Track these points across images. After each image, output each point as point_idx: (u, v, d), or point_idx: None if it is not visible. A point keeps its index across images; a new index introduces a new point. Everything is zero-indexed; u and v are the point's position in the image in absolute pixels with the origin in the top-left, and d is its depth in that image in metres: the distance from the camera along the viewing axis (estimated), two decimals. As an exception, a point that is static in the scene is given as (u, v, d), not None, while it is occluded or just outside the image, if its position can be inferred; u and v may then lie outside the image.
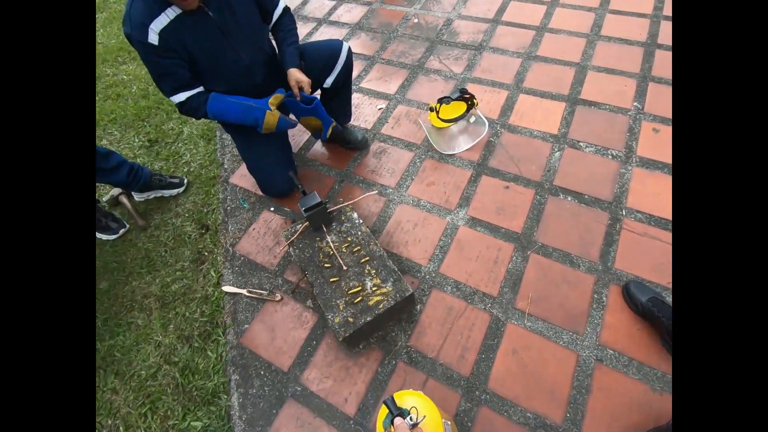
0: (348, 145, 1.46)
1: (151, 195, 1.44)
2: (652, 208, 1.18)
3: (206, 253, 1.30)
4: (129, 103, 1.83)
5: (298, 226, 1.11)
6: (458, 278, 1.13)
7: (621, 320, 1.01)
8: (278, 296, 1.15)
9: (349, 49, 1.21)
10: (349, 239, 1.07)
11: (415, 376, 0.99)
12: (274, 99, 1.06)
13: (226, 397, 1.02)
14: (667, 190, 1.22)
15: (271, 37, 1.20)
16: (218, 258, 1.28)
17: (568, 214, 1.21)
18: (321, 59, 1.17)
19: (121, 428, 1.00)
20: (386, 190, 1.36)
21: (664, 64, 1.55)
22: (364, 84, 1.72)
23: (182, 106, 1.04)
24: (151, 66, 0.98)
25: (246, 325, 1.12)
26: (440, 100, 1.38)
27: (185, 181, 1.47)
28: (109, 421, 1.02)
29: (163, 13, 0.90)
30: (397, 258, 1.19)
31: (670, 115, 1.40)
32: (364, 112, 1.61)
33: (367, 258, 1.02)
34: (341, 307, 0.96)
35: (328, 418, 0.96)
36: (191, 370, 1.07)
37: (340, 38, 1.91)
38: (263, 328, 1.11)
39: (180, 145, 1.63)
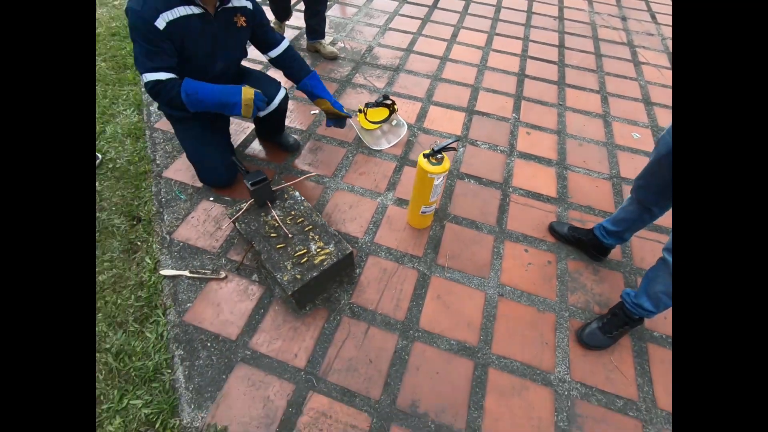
0: (282, 147, 1.60)
1: None
2: (531, 186, 1.56)
3: (139, 243, 1.27)
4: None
5: (243, 205, 1.20)
6: (390, 245, 1.32)
7: (514, 265, 1.30)
8: (222, 274, 1.19)
9: (286, 95, 1.42)
10: (292, 213, 1.19)
11: (359, 326, 1.12)
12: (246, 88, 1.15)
13: (169, 372, 1.01)
14: (539, 173, 1.62)
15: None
16: (153, 246, 1.26)
17: (472, 193, 1.52)
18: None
19: (40, 422, 0.91)
20: (323, 178, 1.52)
21: (531, 88, 2.08)
22: (299, 93, 1.90)
23: (157, 85, 1.06)
24: (144, 44, 1.01)
25: (189, 304, 1.13)
26: (366, 105, 1.63)
27: (99, 159, 1.49)
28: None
29: (177, 8, 1.02)
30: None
31: (538, 123, 1.86)
32: (299, 117, 1.78)
33: (311, 227, 1.16)
34: (289, 267, 1.06)
35: (279, 373, 1.02)
36: (127, 353, 1.03)
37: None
38: (207, 304, 1.13)
39: (103, 143, 1.57)
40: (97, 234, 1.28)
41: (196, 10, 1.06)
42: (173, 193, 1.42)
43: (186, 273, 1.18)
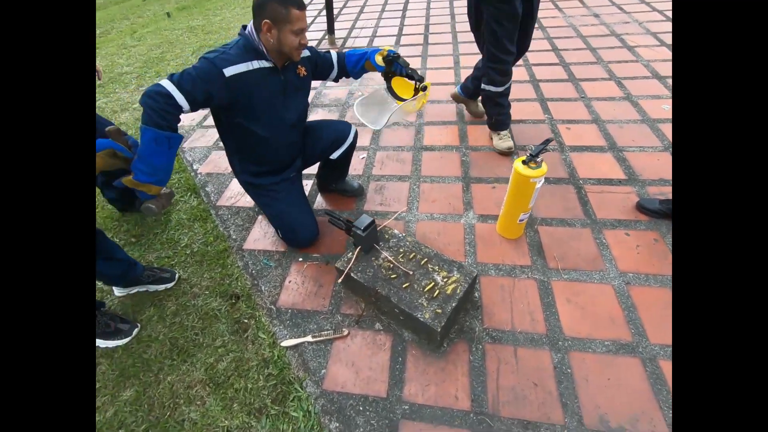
0: (346, 193, 1.62)
1: (135, 290, 1.31)
2: (597, 174, 1.58)
3: (246, 320, 1.21)
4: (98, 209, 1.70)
5: (349, 254, 1.17)
6: (495, 261, 1.29)
7: (623, 251, 1.28)
8: (345, 331, 1.13)
9: (356, 132, 1.47)
10: (401, 250, 1.17)
11: (504, 350, 1.05)
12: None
13: (333, 449, 0.92)
14: (599, 161, 1.65)
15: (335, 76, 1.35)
16: (262, 320, 1.20)
17: (547, 193, 1.53)
18: (331, 136, 1.40)
19: None
20: (400, 215, 1.51)
21: (549, 90, 2.18)
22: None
23: (161, 92, 0.95)
24: (196, 75, 0.98)
25: (323, 371, 1.06)
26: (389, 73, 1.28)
27: (176, 276, 1.35)
28: None
29: (247, 63, 1.06)
30: (438, 263, 1.31)
31: (573, 117, 1.93)
32: (352, 164, 1.81)
33: (425, 259, 1.13)
34: (425, 304, 1.02)
35: (449, 421, 0.94)
36: (279, 440, 0.94)
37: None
38: (342, 366, 1.06)
39: (172, 232, 1.55)
40: (200, 321, 1.22)
41: (266, 64, 1.09)
42: (260, 263, 1.39)
43: (308, 339, 1.12)
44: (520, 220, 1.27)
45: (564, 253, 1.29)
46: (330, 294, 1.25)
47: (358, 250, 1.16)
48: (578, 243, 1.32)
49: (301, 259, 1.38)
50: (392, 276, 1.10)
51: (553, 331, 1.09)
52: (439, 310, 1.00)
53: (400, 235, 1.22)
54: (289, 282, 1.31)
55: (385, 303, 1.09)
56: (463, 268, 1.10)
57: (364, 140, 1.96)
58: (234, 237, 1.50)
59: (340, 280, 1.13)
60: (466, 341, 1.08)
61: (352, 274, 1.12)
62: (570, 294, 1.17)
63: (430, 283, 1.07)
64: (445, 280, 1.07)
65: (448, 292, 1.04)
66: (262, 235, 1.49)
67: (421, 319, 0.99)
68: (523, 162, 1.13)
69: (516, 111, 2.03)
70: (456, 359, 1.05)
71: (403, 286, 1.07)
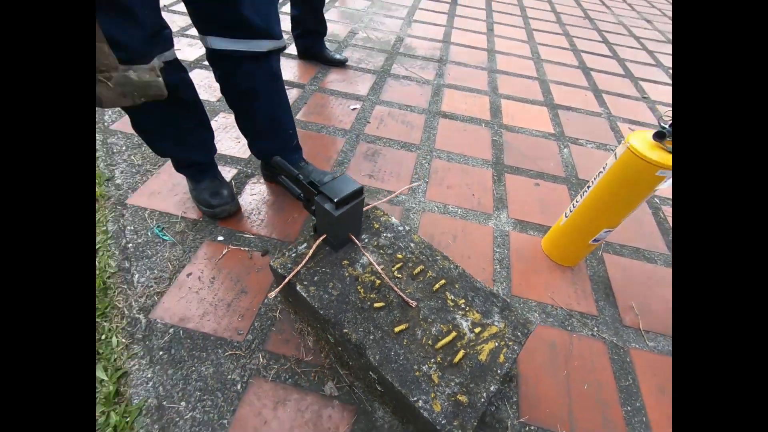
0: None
1: None
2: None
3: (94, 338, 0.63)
4: None
5: (301, 247, 0.62)
6: (541, 299, 0.79)
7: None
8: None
9: None
10: (399, 257, 0.63)
11: (559, 478, 0.56)
12: None
13: None
14: (674, 178, 1.20)
15: None
16: (112, 340, 0.63)
17: (612, 206, 1.05)
18: None
19: None
20: (398, 197, 0.98)
21: (604, 81, 1.72)
22: (326, 85, 1.38)
23: None
24: None
25: (198, 476, 0.51)
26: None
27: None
28: None
29: None
30: (449, 285, 0.79)
31: (635, 118, 1.48)
32: (335, 113, 1.25)
33: (443, 281, 0.60)
34: (434, 378, 0.49)
35: None
36: None
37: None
38: (242, 470, 0.52)
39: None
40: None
41: None
42: (149, 231, 0.80)
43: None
44: (595, 240, 0.78)
45: (645, 304, 0.82)
46: (254, 311, 0.69)
47: (319, 241, 0.61)
48: (664, 291, 0.85)
49: (221, 239, 0.81)
50: (377, 304, 0.56)
51: (643, 450, 0.60)
52: (464, 397, 0.48)
53: (401, 228, 0.69)
54: (188, 275, 0.73)
55: (352, 355, 0.55)
56: (510, 310, 0.58)
57: (359, 87, 1.40)
58: (119, 181, 0.90)
59: (273, 294, 0.58)
60: (489, 448, 0.57)
61: (298, 287, 0.57)
62: (662, 379, 0.70)
63: (450, 330, 0.54)
64: (476, 330, 0.55)
65: (482, 357, 0.52)
66: (167, 188, 0.90)
67: (424, 412, 0.46)
68: (657, 135, 0.62)
69: (564, 96, 1.55)
70: (469, 487, 0.53)
71: (397, 328, 0.53)
